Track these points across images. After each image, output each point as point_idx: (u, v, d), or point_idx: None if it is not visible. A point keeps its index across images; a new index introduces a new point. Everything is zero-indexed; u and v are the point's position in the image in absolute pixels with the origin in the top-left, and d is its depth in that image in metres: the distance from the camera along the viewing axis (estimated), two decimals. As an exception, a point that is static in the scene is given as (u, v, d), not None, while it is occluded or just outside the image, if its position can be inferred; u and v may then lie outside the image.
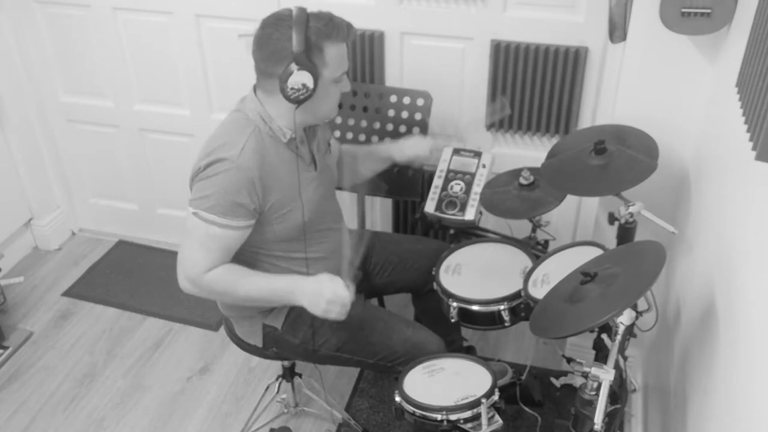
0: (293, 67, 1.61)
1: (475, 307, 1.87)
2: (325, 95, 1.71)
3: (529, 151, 2.45)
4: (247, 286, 1.75)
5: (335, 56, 1.68)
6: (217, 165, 1.67)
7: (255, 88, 1.77)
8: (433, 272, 1.99)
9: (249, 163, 1.67)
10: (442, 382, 1.70)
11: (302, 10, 1.65)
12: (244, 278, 1.75)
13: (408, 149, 2.07)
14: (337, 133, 2.41)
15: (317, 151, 1.89)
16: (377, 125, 2.38)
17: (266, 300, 1.82)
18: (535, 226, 2.16)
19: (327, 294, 1.69)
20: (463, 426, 1.60)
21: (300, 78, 1.62)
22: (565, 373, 2.45)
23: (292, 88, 1.63)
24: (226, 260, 1.74)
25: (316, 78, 1.64)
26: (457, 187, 2.14)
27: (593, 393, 1.49)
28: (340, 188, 2.16)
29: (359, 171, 2.14)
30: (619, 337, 1.47)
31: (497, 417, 1.61)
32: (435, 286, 1.97)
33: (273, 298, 1.80)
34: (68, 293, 2.96)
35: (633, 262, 1.53)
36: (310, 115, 1.75)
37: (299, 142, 1.81)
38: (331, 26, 1.66)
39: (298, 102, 1.66)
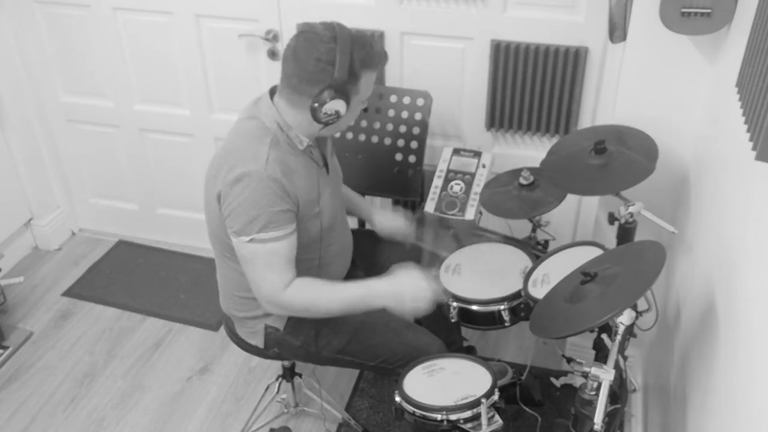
0: (329, 94, 1.61)
1: (475, 307, 1.87)
2: (349, 115, 1.72)
3: (529, 151, 2.45)
4: (325, 300, 1.77)
5: (367, 83, 1.70)
6: (246, 181, 1.66)
7: (271, 94, 1.76)
8: (433, 272, 1.99)
9: (276, 173, 1.67)
10: (442, 382, 1.70)
11: (346, 33, 1.63)
12: (321, 292, 1.76)
13: (387, 222, 2.10)
14: (337, 133, 2.41)
15: (327, 154, 1.90)
16: (377, 125, 2.38)
17: (347, 310, 1.79)
18: (535, 226, 2.16)
19: (407, 295, 1.70)
20: (463, 426, 1.60)
21: (335, 106, 1.63)
22: (565, 373, 2.45)
23: (325, 113, 1.64)
24: (293, 270, 1.74)
25: (348, 105, 1.65)
26: (456, 187, 2.14)
27: (593, 393, 1.49)
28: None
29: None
30: (619, 337, 1.47)
31: (497, 417, 1.61)
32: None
33: (355, 309, 1.78)
34: (68, 293, 2.96)
35: (633, 262, 1.53)
36: (329, 130, 1.77)
37: (313, 147, 1.81)
38: (372, 55, 1.67)
39: (327, 124, 1.68)
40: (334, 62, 1.60)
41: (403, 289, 1.72)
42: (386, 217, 2.12)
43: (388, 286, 1.74)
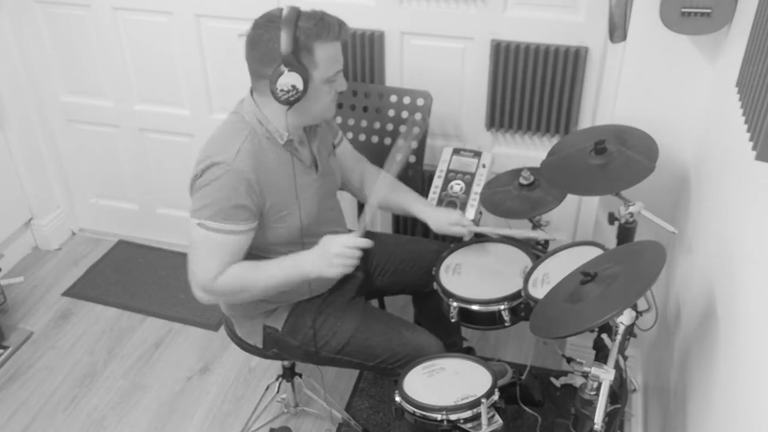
0: (282, 68, 1.61)
1: (475, 307, 1.87)
2: (317, 95, 1.70)
3: (529, 151, 2.45)
4: (259, 278, 1.75)
5: (326, 56, 1.67)
6: (213, 170, 1.66)
7: (251, 90, 1.77)
8: (433, 272, 1.99)
9: (244, 166, 1.67)
10: (442, 382, 1.70)
11: (293, 10, 1.64)
12: (254, 271, 1.75)
13: (447, 226, 1.96)
14: (337, 134, 2.40)
15: (319, 152, 1.88)
16: (377, 125, 2.38)
17: (283, 284, 1.77)
18: (535, 226, 2.16)
19: (332, 249, 1.69)
20: (463, 426, 1.60)
21: (289, 79, 1.61)
22: (565, 373, 2.45)
23: (281, 90, 1.62)
24: (234, 263, 1.74)
25: (305, 79, 1.63)
26: (457, 187, 2.14)
27: (593, 393, 1.49)
28: (347, 191, 2.17)
29: (383, 202, 2.04)
30: (619, 337, 1.47)
31: (497, 417, 1.61)
32: (435, 285, 1.97)
33: (288, 280, 1.77)
34: (68, 293, 2.96)
35: (633, 262, 1.53)
36: (304, 115, 1.74)
37: (298, 143, 1.80)
38: (321, 26, 1.64)
39: (288, 103, 1.66)
40: (280, 38, 1.61)
41: (327, 249, 1.70)
42: (445, 218, 1.98)
43: (314, 251, 1.73)
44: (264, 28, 1.65)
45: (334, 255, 1.69)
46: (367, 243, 1.71)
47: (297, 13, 1.64)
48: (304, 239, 1.84)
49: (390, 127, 2.37)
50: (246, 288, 1.76)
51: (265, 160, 1.72)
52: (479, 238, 2.15)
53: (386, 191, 2.00)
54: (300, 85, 1.63)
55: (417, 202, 2.06)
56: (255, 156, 1.70)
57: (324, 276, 1.73)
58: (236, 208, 1.67)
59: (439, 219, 1.99)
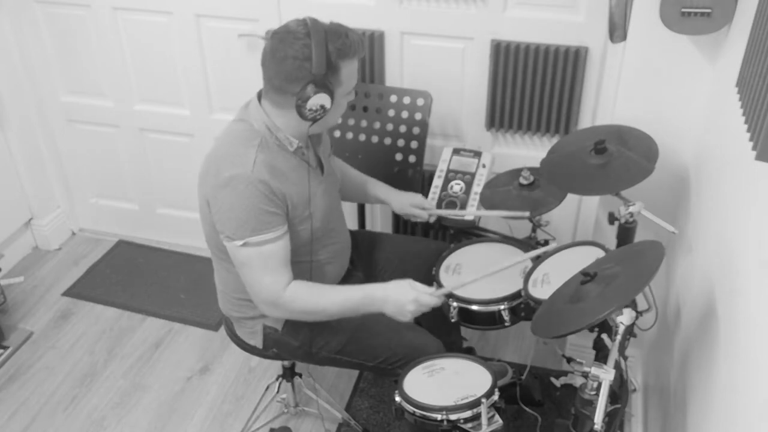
0: (312, 89, 1.61)
1: (475, 307, 1.87)
2: (335, 108, 1.71)
3: (529, 151, 2.45)
4: (325, 303, 1.77)
5: (348, 73, 1.68)
6: (234, 184, 1.66)
7: (259, 96, 1.76)
8: (433, 272, 1.99)
9: (263, 175, 1.67)
10: (442, 382, 1.70)
11: (319, 27, 1.63)
12: (320, 294, 1.77)
13: (408, 208, 2.08)
14: (338, 133, 2.41)
15: (323, 154, 1.89)
16: (377, 125, 2.38)
17: (346, 313, 1.80)
18: (535, 226, 2.16)
19: (410, 303, 1.72)
20: (463, 426, 1.59)
21: (319, 100, 1.62)
22: (565, 373, 2.45)
23: (310, 110, 1.63)
24: (290, 271, 1.75)
25: (332, 98, 1.65)
26: (457, 186, 2.14)
27: (593, 393, 1.49)
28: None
29: (345, 193, 2.13)
30: (619, 337, 1.47)
31: (497, 417, 1.61)
32: (435, 285, 1.96)
33: (351, 311, 1.79)
34: (68, 293, 2.96)
35: (633, 262, 1.53)
36: (319, 126, 1.75)
37: (305, 147, 1.81)
38: (348, 44, 1.65)
39: (314, 121, 1.67)
40: (311, 57, 1.60)
41: (405, 298, 1.72)
42: (406, 200, 2.10)
43: (387, 289, 1.75)
44: (288, 44, 1.62)
45: (410, 310, 1.72)
46: (438, 303, 1.76)
47: (324, 31, 1.63)
48: (317, 242, 1.85)
49: (390, 127, 2.37)
50: (311, 309, 1.78)
51: (279, 167, 1.72)
52: (479, 238, 2.15)
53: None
54: (328, 105, 1.65)
55: (381, 186, 2.16)
56: (270, 165, 1.70)
57: (391, 317, 1.76)
58: (269, 215, 1.68)
59: (401, 201, 2.10)
